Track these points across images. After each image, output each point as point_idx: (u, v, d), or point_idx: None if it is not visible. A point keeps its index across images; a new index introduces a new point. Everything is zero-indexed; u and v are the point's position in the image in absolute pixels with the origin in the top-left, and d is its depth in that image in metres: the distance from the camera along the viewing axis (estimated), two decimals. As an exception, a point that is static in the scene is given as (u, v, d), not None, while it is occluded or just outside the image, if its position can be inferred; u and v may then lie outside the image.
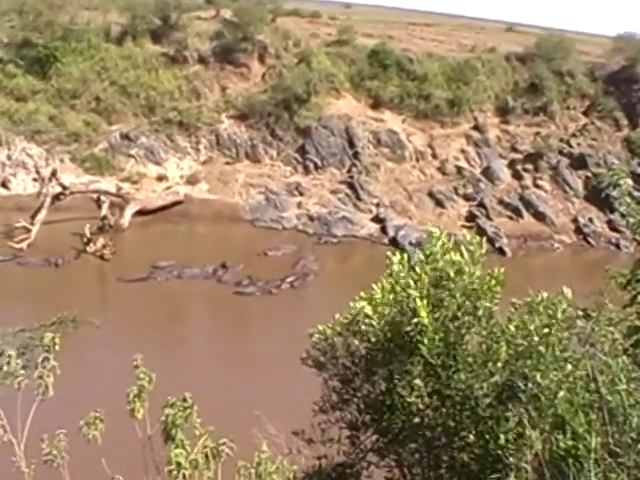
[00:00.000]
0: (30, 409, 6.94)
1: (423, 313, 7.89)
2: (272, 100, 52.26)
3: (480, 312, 8.10)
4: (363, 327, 9.00)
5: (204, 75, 55.04)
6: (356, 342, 9.29)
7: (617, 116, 55.19)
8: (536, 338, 7.63)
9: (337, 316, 9.59)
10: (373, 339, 8.88)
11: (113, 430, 7.43)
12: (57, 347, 7.39)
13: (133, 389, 7.40)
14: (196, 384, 21.46)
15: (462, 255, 8.27)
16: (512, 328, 7.97)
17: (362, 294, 8.92)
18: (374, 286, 8.87)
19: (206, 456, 7.07)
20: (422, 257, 8.45)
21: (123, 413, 7.30)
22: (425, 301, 8.00)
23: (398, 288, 8.44)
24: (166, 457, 6.93)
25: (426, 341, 7.92)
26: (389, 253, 8.80)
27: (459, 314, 8.09)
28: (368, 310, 8.60)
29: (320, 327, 9.58)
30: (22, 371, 7.23)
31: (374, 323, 8.61)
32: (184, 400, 7.46)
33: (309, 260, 40.07)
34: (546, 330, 7.67)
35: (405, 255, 8.69)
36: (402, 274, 8.37)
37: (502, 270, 8.35)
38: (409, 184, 50.26)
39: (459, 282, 8.14)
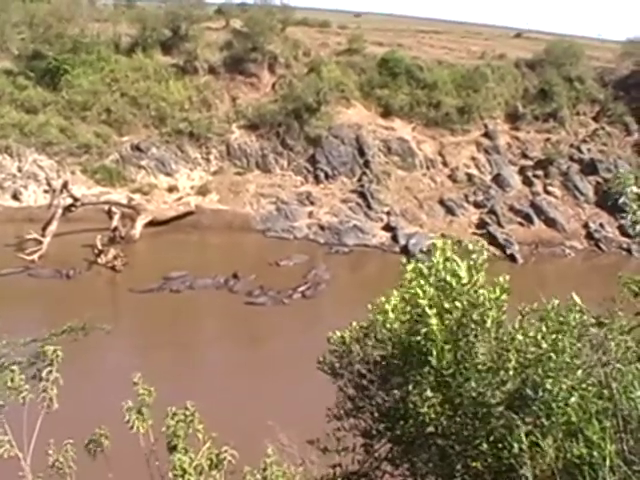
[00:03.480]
0: (37, 419, 6.96)
1: (433, 320, 7.87)
2: (282, 110, 52.31)
3: (488, 323, 8.06)
4: (380, 334, 9.00)
5: (214, 85, 55.16)
6: (371, 350, 9.30)
7: (627, 121, 55.23)
8: (545, 345, 7.60)
9: (354, 324, 9.61)
10: (389, 346, 8.87)
11: (123, 439, 7.42)
12: (60, 360, 7.40)
13: (128, 403, 7.40)
14: (208, 394, 21.51)
15: (458, 265, 8.25)
16: (520, 337, 7.94)
17: (382, 298, 8.92)
18: (394, 292, 8.88)
19: (210, 462, 7.07)
20: (425, 270, 8.44)
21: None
22: (435, 310, 7.99)
23: (409, 297, 8.44)
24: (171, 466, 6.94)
25: (435, 352, 7.91)
26: (404, 261, 8.79)
27: (465, 321, 8.06)
28: (390, 314, 8.60)
29: (338, 333, 9.60)
30: (27, 386, 7.25)
31: (396, 326, 8.60)
32: (186, 409, 7.46)
33: (321, 269, 40.00)
34: (554, 336, 7.65)
35: (418, 263, 8.67)
36: (414, 283, 8.35)
37: (507, 278, 8.31)
38: (420, 192, 50.23)
39: (462, 291, 8.12)
